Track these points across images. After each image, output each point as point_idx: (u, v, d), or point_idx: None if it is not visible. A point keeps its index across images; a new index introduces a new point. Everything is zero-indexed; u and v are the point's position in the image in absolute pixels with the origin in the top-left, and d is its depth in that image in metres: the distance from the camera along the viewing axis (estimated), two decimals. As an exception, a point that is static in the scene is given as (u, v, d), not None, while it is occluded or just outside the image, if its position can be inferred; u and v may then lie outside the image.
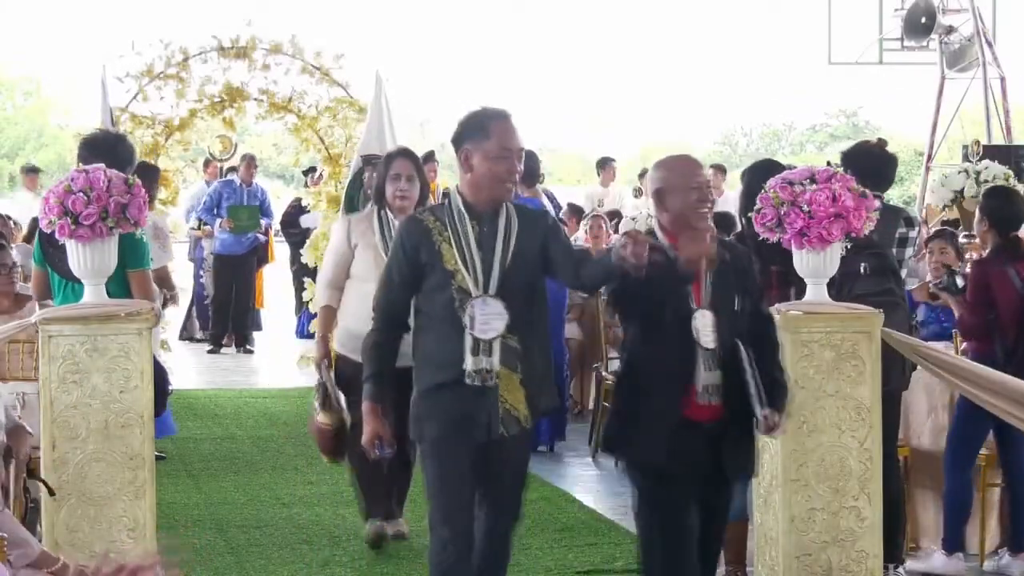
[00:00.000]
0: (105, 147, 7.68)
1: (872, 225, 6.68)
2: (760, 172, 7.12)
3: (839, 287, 7.04)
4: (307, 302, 13.95)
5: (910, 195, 29.88)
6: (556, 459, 10.82)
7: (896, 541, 7.38)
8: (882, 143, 7.73)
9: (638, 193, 18.19)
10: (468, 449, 5.54)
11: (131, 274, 7.28)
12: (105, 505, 6.34)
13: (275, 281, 19.70)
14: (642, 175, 18.75)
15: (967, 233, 9.91)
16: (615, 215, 15.88)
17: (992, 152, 17.60)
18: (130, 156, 7.83)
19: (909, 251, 7.47)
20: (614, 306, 5.96)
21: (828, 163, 7.93)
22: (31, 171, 19.66)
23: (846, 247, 6.87)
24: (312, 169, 14.62)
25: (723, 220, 7.77)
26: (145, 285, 7.35)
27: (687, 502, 5.69)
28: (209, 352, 16.85)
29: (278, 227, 18.42)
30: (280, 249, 19.04)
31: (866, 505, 6.66)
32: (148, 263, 7.46)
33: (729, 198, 18.61)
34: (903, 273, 7.42)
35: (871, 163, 7.50)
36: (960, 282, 7.62)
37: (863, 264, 7.06)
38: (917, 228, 7.48)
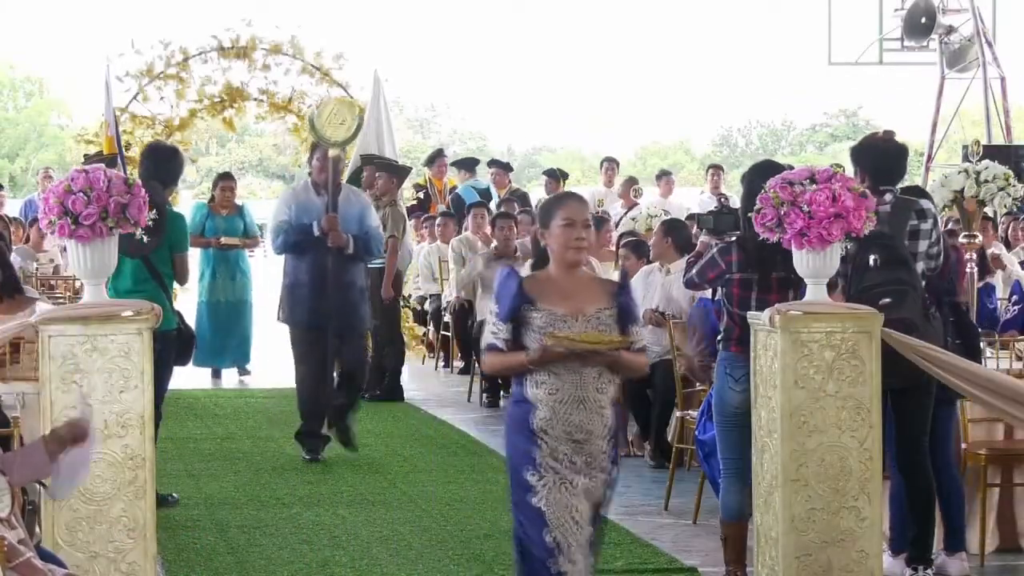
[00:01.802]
0: (164, 156, 9.45)
1: (872, 225, 6.68)
2: (760, 173, 7.11)
3: (849, 280, 7.03)
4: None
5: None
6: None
7: (928, 542, 7.35)
8: (889, 135, 7.73)
9: (636, 194, 18.18)
10: None
11: (176, 256, 9.02)
12: (105, 505, 6.34)
13: (273, 281, 19.66)
14: (631, 181, 18.72)
15: (967, 233, 9.92)
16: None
17: (992, 152, 17.59)
18: (180, 168, 9.63)
19: (923, 243, 7.41)
20: None
21: (840, 167, 7.91)
22: None
23: (846, 247, 6.87)
24: None
25: (725, 220, 7.74)
26: (185, 265, 9.23)
27: None
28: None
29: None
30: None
31: (866, 505, 6.66)
32: (188, 246, 9.33)
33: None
34: (920, 266, 7.37)
35: (880, 157, 7.50)
36: None
37: (873, 256, 7.06)
38: (931, 220, 7.43)
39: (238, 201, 14.99)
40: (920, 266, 7.37)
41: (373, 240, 10.69)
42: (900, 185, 7.70)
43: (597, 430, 5.70)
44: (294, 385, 10.71)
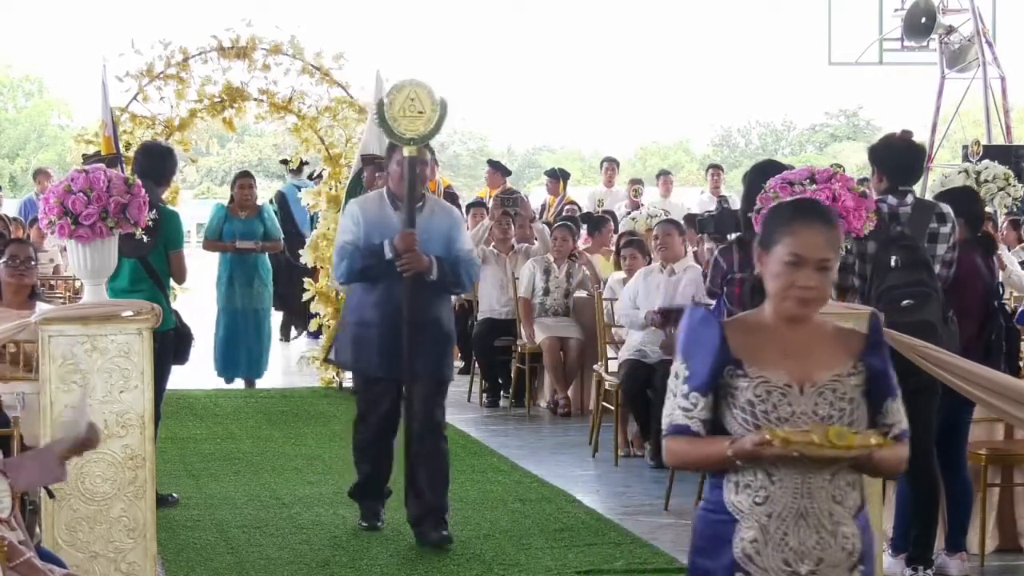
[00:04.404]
0: (156, 155, 9.44)
1: (872, 225, 6.68)
2: (761, 173, 7.11)
3: (870, 280, 7.02)
4: (307, 302, 13.93)
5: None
6: (556, 459, 10.82)
7: (929, 542, 7.35)
8: (907, 135, 7.73)
9: (636, 193, 18.20)
10: None
11: (172, 254, 8.98)
12: (105, 505, 6.35)
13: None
14: (635, 182, 18.76)
15: (967, 233, 9.92)
16: (610, 215, 15.93)
17: (992, 152, 17.64)
18: (174, 167, 9.70)
19: (941, 247, 7.39)
20: None
21: (870, 173, 7.92)
22: None
23: (847, 247, 6.86)
24: (319, 176, 14.51)
25: (724, 220, 7.76)
26: (182, 264, 9.09)
27: None
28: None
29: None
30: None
31: (866, 505, 6.63)
32: (183, 244, 9.20)
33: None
34: (936, 269, 7.37)
35: (898, 156, 7.50)
36: None
37: (894, 257, 7.05)
38: (950, 224, 7.43)
39: (260, 201, 14.58)
40: (936, 269, 7.37)
41: (463, 266, 8.27)
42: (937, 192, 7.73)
43: (832, 557, 3.90)
44: (292, 386, 10.39)
